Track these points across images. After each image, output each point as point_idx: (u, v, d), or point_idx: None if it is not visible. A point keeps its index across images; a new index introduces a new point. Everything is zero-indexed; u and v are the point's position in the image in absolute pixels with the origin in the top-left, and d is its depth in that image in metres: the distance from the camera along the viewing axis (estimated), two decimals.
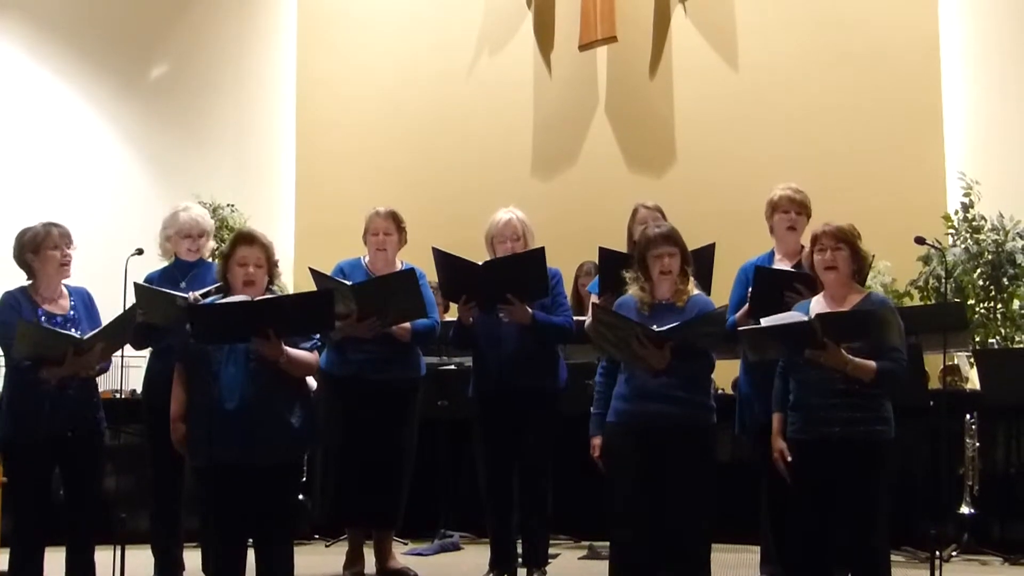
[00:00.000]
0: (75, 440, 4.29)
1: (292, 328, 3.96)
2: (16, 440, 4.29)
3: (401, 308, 4.71)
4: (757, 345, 3.98)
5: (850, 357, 3.76)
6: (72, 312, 4.39)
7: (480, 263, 4.67)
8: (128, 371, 4.84)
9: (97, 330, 4.24)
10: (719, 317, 3.99)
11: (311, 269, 4.81)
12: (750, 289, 4.43)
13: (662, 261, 4.04)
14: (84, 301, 4.46)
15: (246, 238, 4.05)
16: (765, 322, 3.88)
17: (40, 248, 4.34)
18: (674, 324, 3.86)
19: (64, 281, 4.44)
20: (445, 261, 4.65)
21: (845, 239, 3.90)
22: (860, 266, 3.96)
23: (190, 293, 4.54)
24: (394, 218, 4.96)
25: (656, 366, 3.88)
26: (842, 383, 3.80)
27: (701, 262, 4.65)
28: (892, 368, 3.81)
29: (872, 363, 3.79)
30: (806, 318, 3.81)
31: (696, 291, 4.09)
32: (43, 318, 4.29)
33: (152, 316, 4.63)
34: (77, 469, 4.36)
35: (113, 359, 4.54)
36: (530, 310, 4.60)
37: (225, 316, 3.87)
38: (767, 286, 4.30)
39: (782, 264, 4.53)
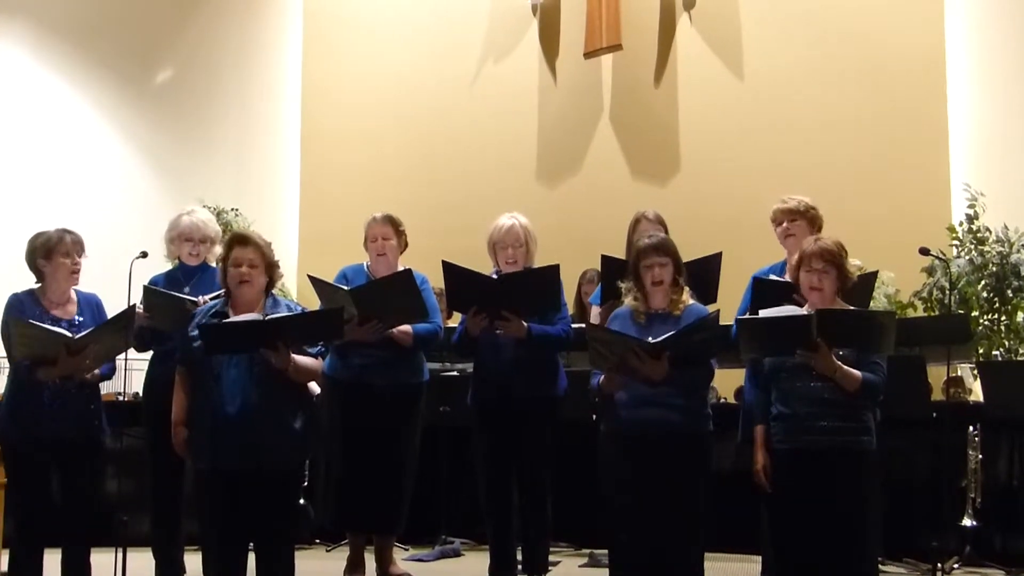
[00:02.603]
0: (74, 444, 4.29)
1: (301, 341, 3.98)
2: (15, 441, 4.30)
3: (401, 310, 4.71)
4: (752, 338, 3.95)
5: (839, 363, 3.78)
6: (78, 318, 4.40)
7: (497, 277, 4.66)
8: (131, 374, 4.84)
9: (88, 331, 4.24)
10: (712, 322, 3.99)
11: (310, 276, 4.81)
12: (750, 298, 4.43)
13: (652, 272, 4.05)
14: (92, 307, 4.47)
15: (239, 239, 4.05)
16: (764, 313, 3.88)
17: (52, 254, 4.37)
18: (669, 335, 3.86)
19: (75, 287, 4.46)
20: (458, 275, 4.61)
21: (832, 260, 3.90)
22: (844, 284, 3.97)
23: (200, 297, 4.55)
24: (391, 222, 4.97)
25: (655, 377, 3.89)
26: (827, 393, 3.81)
27: (707, 271, 4.65)
28: (876, 381, 3.83)
29: (858, 373, 3.80)
30: (805, 312, 3.81)
31: (691, 301, 4.10)
32: (46, 322, 4.28)
33: (157, 320, 4.63)
34: (74, 473, 4.35)
35: (117, 364, 4.54)
36: (525, 324, 4.58)
37: (234, 333, 3.88)
38: (767, 297, 4.29)
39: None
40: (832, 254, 3.91)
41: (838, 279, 3.92)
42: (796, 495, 3.85)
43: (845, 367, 3.79)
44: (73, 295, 4.45)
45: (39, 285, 4.42)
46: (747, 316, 3.97)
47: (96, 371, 4.37)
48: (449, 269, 4.60)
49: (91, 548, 4.37)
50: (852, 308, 3.94)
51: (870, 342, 3.85)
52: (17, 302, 4.35)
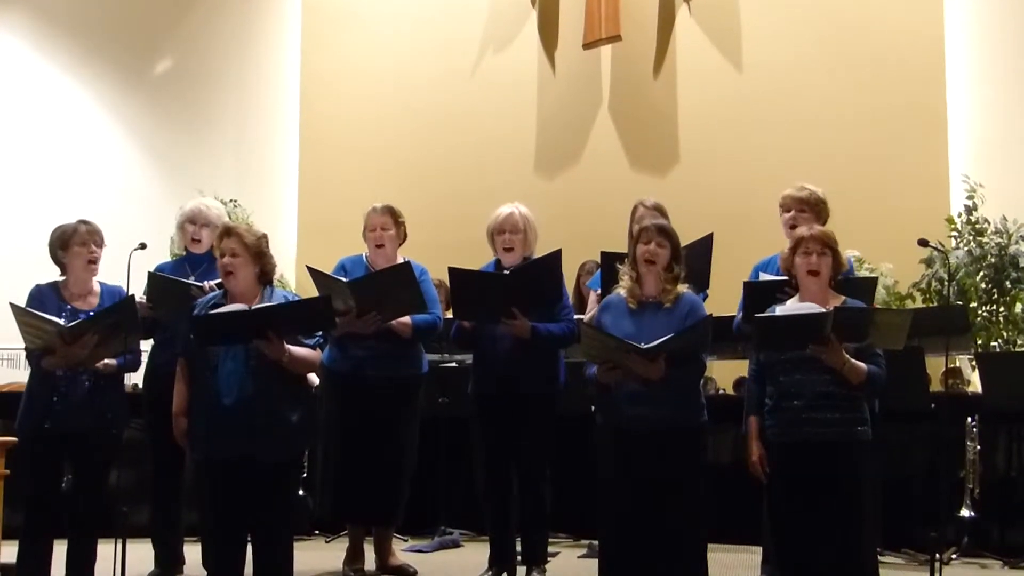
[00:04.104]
0: (85, 435, 4.31)
1: (292, 331, 3.97)
2: (29, 430, 4.32)
3: (399, 302, 4.71)
4: (768, 335, 3.95)
5: (848, 357, 3.80)
6: (99, 309, 4.41)
7: (506, 272, 4.64)
8: (140, 366, 4.85)
9: (81, 319, 4.25)
10: (705, 327, 3.99)
11: (308, 267, 4.82)
12: (742, 302, 4.44)
13: (648, 248, 4.06)
14: (115, 299, 4.47)
15: (223, 231, 4.10)
16: (780, 310, 3.89)
17: (68, 245, 4.42)
18: (661, 340, 3.87)
19: (100, 279, 4.50)
20: (465, 278, 4.60)
21: (829, 245, 3.95)
22: (837, 273, 4.00)
23: (205, 283, 4.56)
24: (391, 213, 4.96)
25: (652, 377, 3.90)
26: (824, 386, 3.83)
27: (699, 253, 4.66)
28: (879, 374, 3.88)
29: (864, 365, 3.84)
30: (823, 309, 3.82)
31: (685, 290, 4.10)
32: (64, 314, 4.31)
33: (160, 310, 4.64)
34: (84, 464, 4.37)
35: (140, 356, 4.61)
36: (529, 323, 4.57)
37: (223, 324, 3.88)
38: (757, 298, 4.30)
39: None
40: (830, 238, 3.96)
41: (834, 266, 3.95)
42: (795, 487, 3.87)
43: (853, 360, 3.81)
44: (96, 287, 4.49)
45: (63, 278, 4.47)
46: (765, 314, 3.94)
47: (111, 362, 4.37)
48: (456, 274, 4.57)
49: (98, 540, 4.39)
50: (868, 306, 3.97)
51: (881, 338, 3.87)
52: (38, 292, 4.41)
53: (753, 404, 4.03)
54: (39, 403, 4.31)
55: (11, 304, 4.24)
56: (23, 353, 4.42)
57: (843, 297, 4.00)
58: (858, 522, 3.84)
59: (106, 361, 4.35)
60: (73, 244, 4.41)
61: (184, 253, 5.01)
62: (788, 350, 3.91)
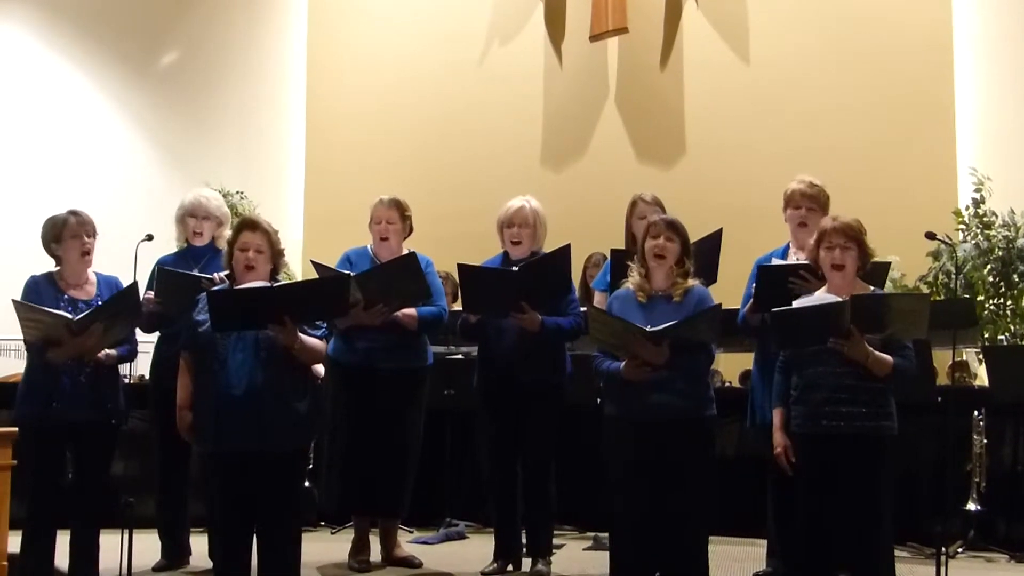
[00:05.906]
0: (87, 426, 4.31)
1: (309, 315, 3.98)
2: (29, 422, 4.31)
3: (406, 293, 4.71)
4: (787, 330, 3.91)
5: (871, 349, 3.76)
6: (97, 299, 4.41)
7: (515, 268, 4.64)
8: (137, 356, 4.86)
9: (89, 311, 4.26)
10: (713, 315, 3.98)
11: (312, 262, 4.82)
12: (754, 286, 4.41)
13: (657, 243, 4.05)
14: (112, 288, 4.48)
15: (249, 224, 4.08)
16: (798, 303, 3.86)
17: (61, 237, 4.40)
18: (668, 324, 3.87)
19: (101, 269, 4.49)
20: (474, 274, 4.60)
21: (854, 237, 3.87)
22: (865, 263, 3.94)
23: (215, 274, 4.56)
24: (398, 207, 4.95)
25: (656, 362, 3.90)
26: (849, 378, 3.79)
27: (708, 248, 4.65)
28: (906, 366, 3.83)
29: (889, 358, 3.79)
30: (840, 299, 3.78)
31: (694, 283, 4.09)
32: (62, 304, 4.31)
33: (167, 305, 4.64)
34: (86, 455, 4.37)
35: (136, 346, 4.58)
36: (539, 317, 4.58)
37: (243, 302, 3.89)
38: (771, 282, 4.26)
39: (796, 257, 4.48)
40: (854, 230, 3.88)
41: (859, 257, 3.89)
42: (817, 480, 3.83)
43: (877, 352, 3.76)
44: (92, 276, 4.48)
45: (57, 268, 4.45)
46: (782, 308, 3.88)
47: (111, 352, 4.37)
48: (465, 271, 4.57)
49: (100, 529, 4.39)
50: (885, 292, 3.92)
51: (903, 327, 3.82)
52: (34, 284, 4.40)
53: (779, 395, 3.98)
54: (39, 394, 4.30)
55: (13, 301, 4.23)
56: None
57: (871, 288, 3.95)
58: (877, 517, 3.80)
59: (107, 352, 4.34)
60: (66, 236, 4.39)
61: (185, 245, 5.00)
62: (808, 345, 3.85)
